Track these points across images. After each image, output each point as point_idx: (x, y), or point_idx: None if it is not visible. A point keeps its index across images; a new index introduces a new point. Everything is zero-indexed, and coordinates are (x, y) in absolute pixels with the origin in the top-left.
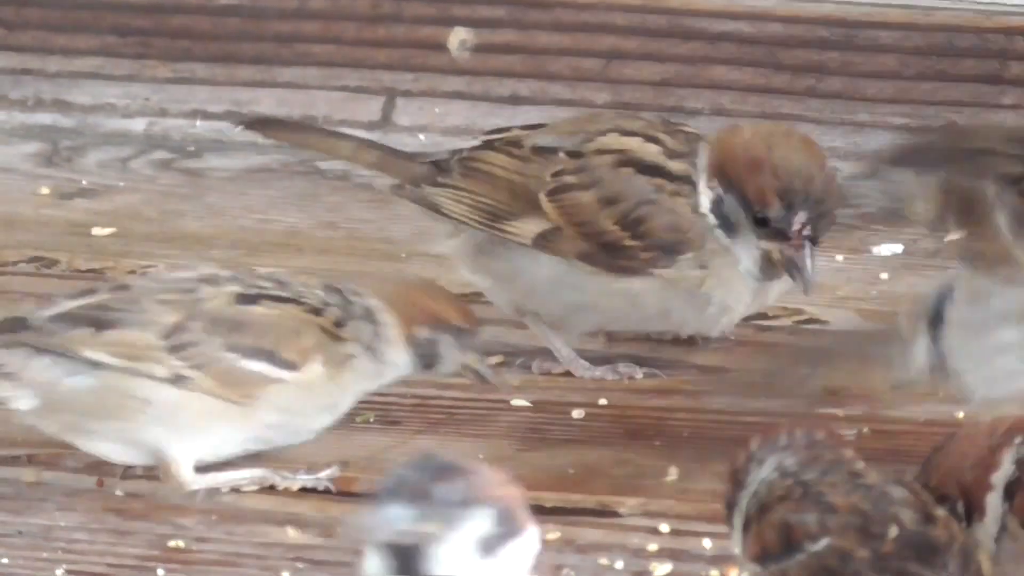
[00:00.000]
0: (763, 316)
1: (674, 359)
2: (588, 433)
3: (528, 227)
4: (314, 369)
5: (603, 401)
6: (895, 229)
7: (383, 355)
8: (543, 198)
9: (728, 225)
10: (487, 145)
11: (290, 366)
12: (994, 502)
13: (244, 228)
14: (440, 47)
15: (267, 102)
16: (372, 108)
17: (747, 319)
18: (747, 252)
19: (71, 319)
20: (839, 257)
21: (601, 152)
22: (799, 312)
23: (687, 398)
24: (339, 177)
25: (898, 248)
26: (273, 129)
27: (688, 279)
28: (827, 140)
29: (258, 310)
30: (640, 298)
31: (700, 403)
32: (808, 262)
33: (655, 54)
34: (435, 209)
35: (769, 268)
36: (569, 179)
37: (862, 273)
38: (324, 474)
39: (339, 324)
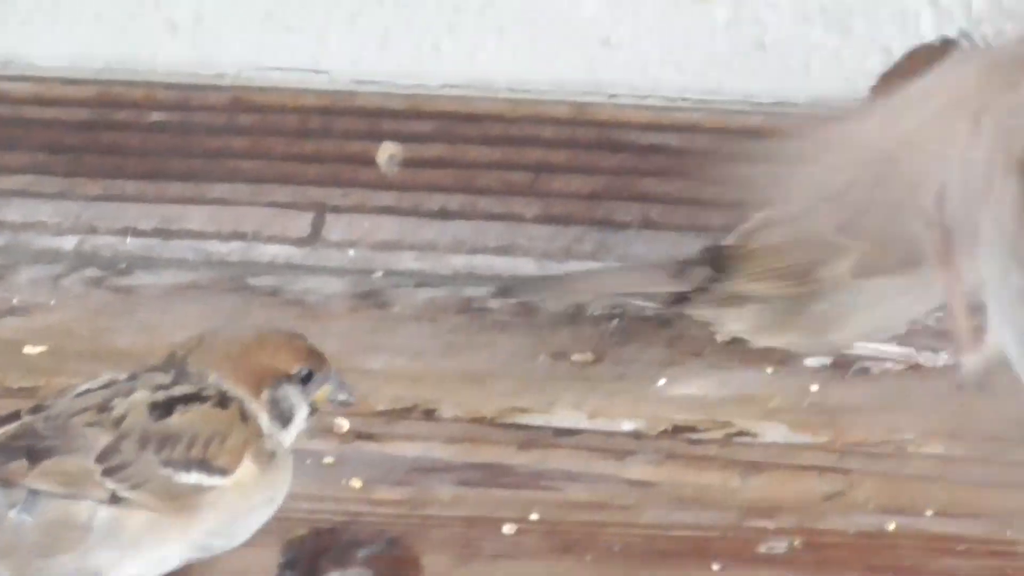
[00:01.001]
0: (691, 429)
1: (605, 473)
2: (519, 549)
3: (839, 266)
4: (247, 469)
5: (534, 516)
6: None
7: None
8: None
9: None
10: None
11: (223, 472)
12: None
13: (174, 344)
14: (369, 162)
15: (197, 218)
16: (301, 224)
17: (677, 431)
18: None
19: (5, 451)
20: (769, 369)
21: None
22: (729, 424)
23: (618, 512)
24: (269, 293)
25: (827, 360)
26: (530, 290)
27: None
28: None
29: (176, 419)
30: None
31: (631, 517)
32: None
33: (584, 167)
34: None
35: None
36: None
37: (793, 385)
38: None
39: (244, 416)
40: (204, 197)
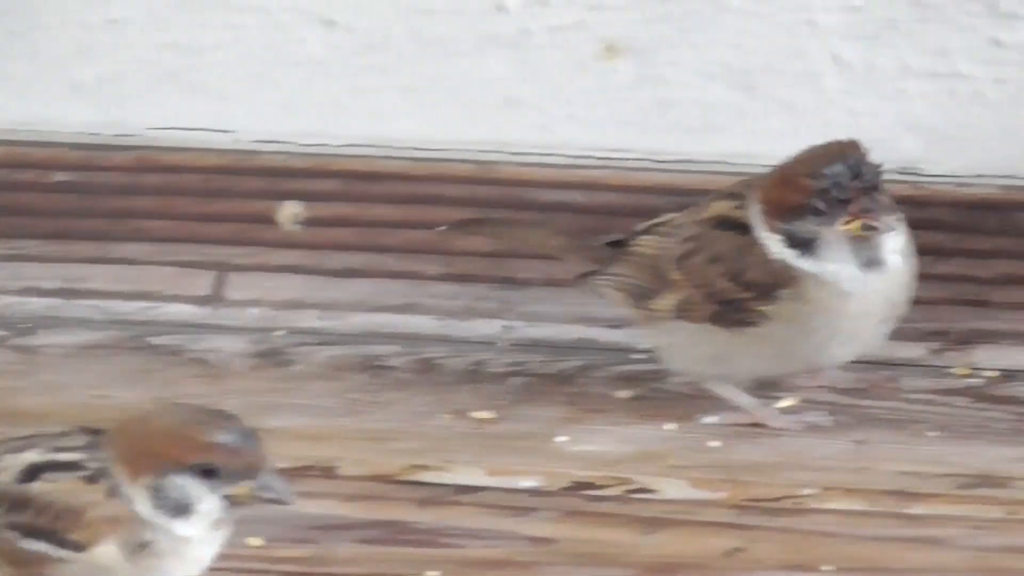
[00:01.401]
0: (591, 486)
1: (505, 530)
2: None
3: (666, 302)
4: (108, 552)
5: (435, 573)
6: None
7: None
8: (672, 269)
9: (807, 246)
10: (647, 229)
11: (76, 546)
12: None
13: (81, 404)
14: (271, 221)
15: (101, 278)
16: (203, 283)
17: (577, 487)
18: (837, 252)
19: None
20: (669, 426)
21: (710, 217)
22: (629, 481)
23: (519, 569)
24: (172, 352)
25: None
26: (473, 228)
27: (796, 313)
28: None
29: (36, 485)
30: (766, 342)
31: (532, 574)
32: (874, 206)
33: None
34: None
35: (863, 250)
36: (690, 246)
37: (693, 441)
38: None
39: (112, 496)
40: (108, 257)
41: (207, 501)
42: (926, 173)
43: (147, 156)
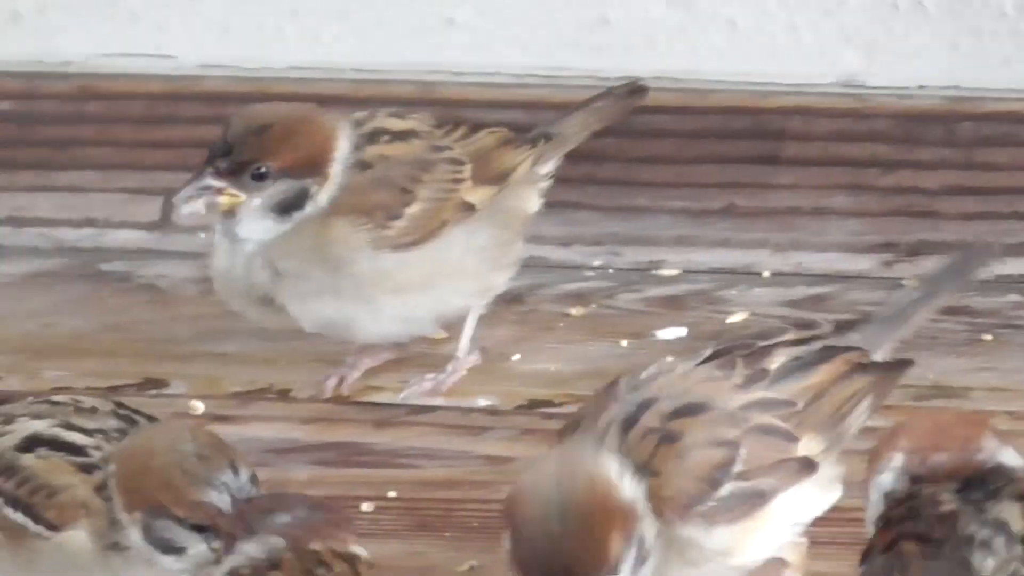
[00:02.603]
0: (547, 403)
1: (461, 450)
2: (378, 526)
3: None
4: (78, 539)
5: (392, 494)
6: (677, 313)
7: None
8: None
9: None
10: None
11: (50, 525)
12: None
13: (28, 333)
14: None
15: (47, 206)
16: (151, 209)
17: (532, 406)
18: None
19: None
20: (623, 342)
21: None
22: (583, 399)
23: (475, 488)
24: (121, 279)
25: (682, 331)
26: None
27: None
28: (606, 226)
29: (28, 458)
30: None
31: (488, 493)
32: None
33: None
34: None
35: None
36: None
37: (646, 357)
38: None
39: (100, 491)
40: (53, 185)
41: (197, 547)
42: (868, 86)
43: (88, 84)
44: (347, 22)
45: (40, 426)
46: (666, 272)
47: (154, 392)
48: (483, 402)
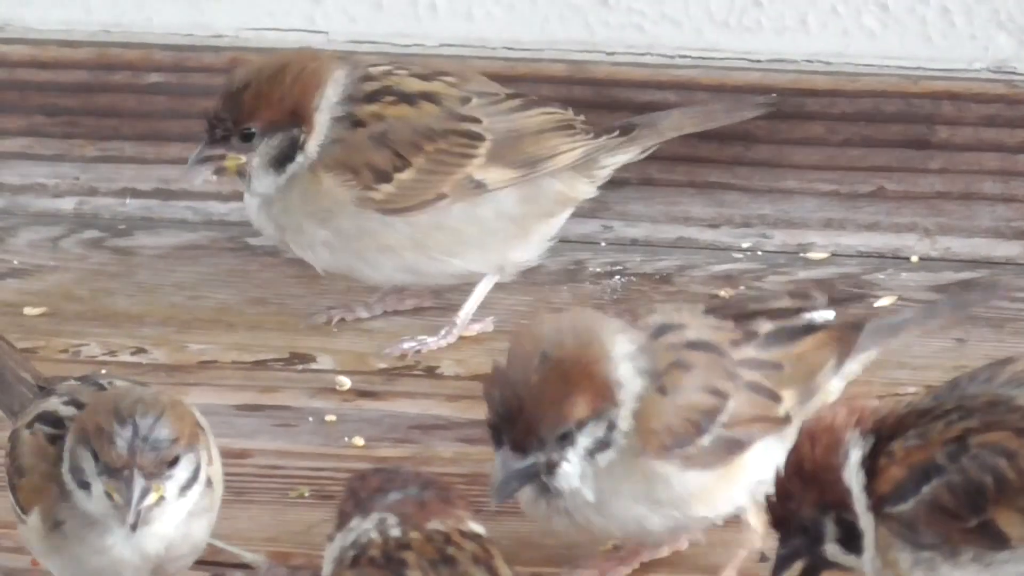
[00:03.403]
0: None
1: None
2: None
3: None
4: (34, 523)
5: None
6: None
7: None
8: None
9: None
10: None
11: (22, 509)
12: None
13: (175, 305)
14: None
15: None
16: None
17: None
18: None
19: None
20: None
21: None
22: None
23: None
24: (269, 253)
25: (830, 315)
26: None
27: None
28: (755, 208)
29: (26, 434)
30: None
31: None
32: None
33: None
34: None
35: None
36: None
37: None
38: (249, 558)
39: (56, 463)
40: None
41: (95, 482)
42: (1021, 72)
43: (239, 57)
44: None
45: (55, 403)
46: (814, 255)
47: (300, 367)
48: None
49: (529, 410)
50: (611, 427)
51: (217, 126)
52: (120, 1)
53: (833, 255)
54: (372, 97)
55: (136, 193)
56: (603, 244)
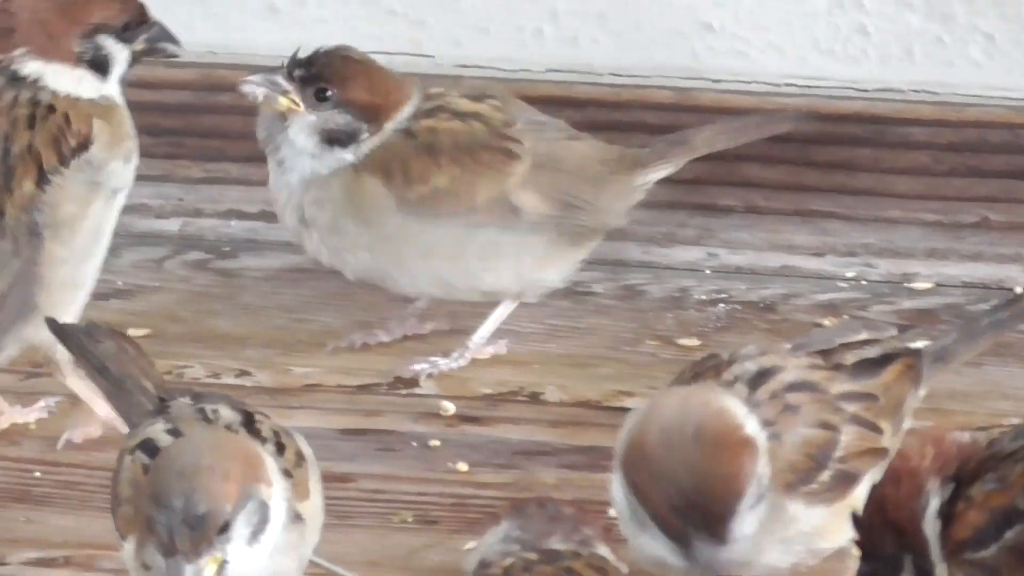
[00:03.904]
0: None
1: None
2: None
3: None
4: (128, 550)
5: None
6: (930, 326)
7: None
8: None
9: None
10: None
11: (120, 533)
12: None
13: (278, 327)
14: None
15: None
16: None
17: None
18: None
19: None
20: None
21: None
22: None
23: None
24: None
25: None
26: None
27: None
28: (859, 237)
29: (127, 460)
30: None
31: None
32: None
33: None
34: None
35: None
36: None
37: None
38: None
39: None
40: None
41: (157, 558)
42: None
43: None
44: (605, 25)
45: (159, 430)
46: (919, 285)
47: (404, 391)
48: None
49: (709, 494)
50: (761, 480)
51: (298, 68)
52: (225, 22)
53: (937, 285)
54: (429, 113)
55: (241, 215)
56: (707, 272)
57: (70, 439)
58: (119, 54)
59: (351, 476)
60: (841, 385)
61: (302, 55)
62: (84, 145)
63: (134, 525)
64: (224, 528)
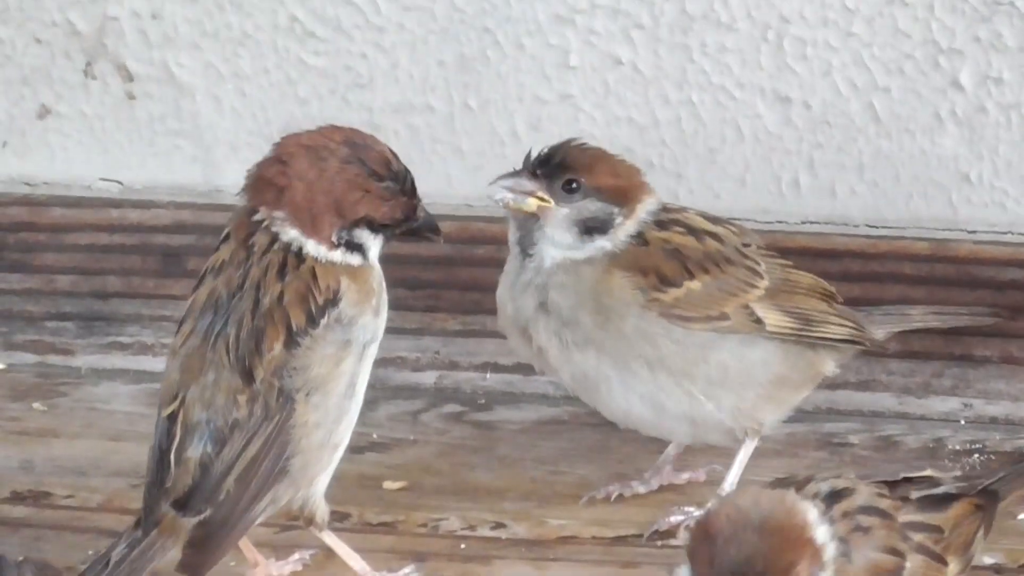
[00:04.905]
0: None
1: None
2: None
3: None
4: None
5: None
6: None
7: None
8: None
9: None
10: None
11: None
12: None
13: (535, 480)
14: None
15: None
16: None
17: None
18: None
19: None
20: None
21: None
22: None
23: None
24: (629, 429)
25: None
26: None
27: None
28: None
29: None
30: None
31: None
32: None
33: (943, 302)
34: None
35: None
36: None
37: None
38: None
39: None
40: None
41: None
42: None
43: None
44: (863, 176)
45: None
46: None
47: (660, 543)
48: (988, 560)
49: None
50: None
51: (541, 165)
52: (482, 175)
53: None
54: (664, 225)
55: (496, 368)
56: (962, 422)
57: None
58: (374, 243)
59: None
60: (907, 515)
61: (539, 152)
62: (333, 302)
63: None
64: None
